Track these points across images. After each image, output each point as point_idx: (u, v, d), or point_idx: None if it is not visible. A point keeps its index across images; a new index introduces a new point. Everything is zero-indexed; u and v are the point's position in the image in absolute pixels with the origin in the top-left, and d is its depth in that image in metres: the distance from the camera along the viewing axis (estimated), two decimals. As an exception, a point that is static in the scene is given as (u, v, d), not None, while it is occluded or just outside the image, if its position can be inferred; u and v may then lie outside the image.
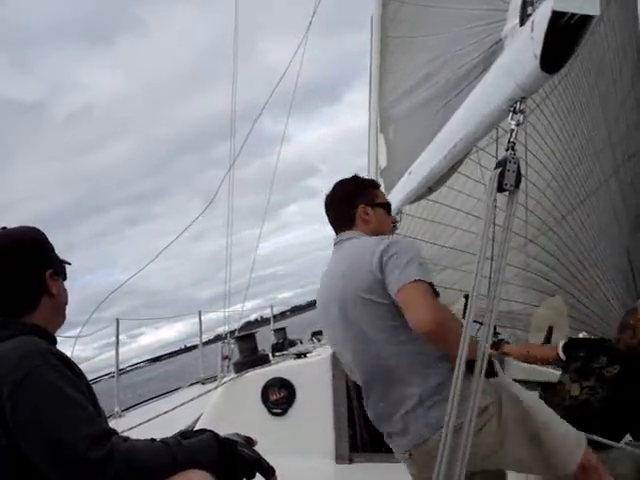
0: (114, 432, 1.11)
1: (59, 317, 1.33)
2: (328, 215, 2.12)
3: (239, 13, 5.69)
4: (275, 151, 6.07)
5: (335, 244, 2.02)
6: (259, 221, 5.80)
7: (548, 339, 2.98)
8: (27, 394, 1.05)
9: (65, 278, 1.36)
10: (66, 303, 1.35)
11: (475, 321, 1.85)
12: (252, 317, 8.49)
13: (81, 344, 5.54)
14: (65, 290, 1.35)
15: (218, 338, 4.87)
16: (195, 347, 6.87)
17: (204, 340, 6.87)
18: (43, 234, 1.34)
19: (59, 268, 1.33)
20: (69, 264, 1.39)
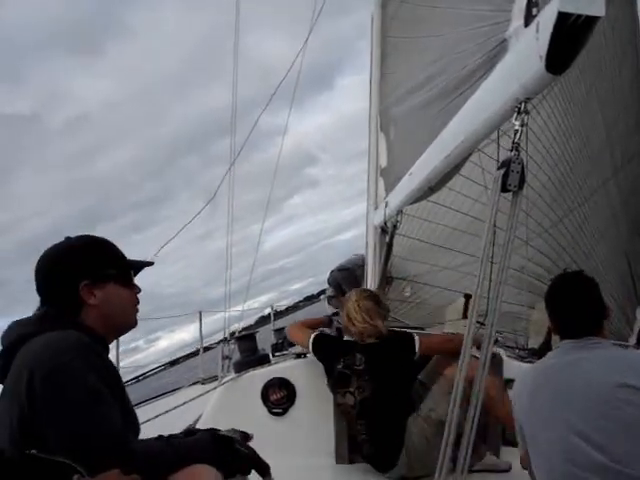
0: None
1: (109, 324, 1.33)
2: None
3: (232, 8, 5.68)
4: (273, 144, 6.10)
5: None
6: (265, 214, 5.79)
7: (548, 341, 2.99)
8: (57, 385, 1.08)
9: (127, 282, 1.37)
10: (119, 310, 1.35)
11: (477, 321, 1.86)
12: (266, 311, 8.61)
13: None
14: (122, 295, 1.35)
15: (231, 336, 4.87)
16: (210, 348, 6.90)
17: (218, 339, 6.87)
18: (82, 245, 1.35)
19: (103, 276, 1.33)
20: (138, 267, 1.42)
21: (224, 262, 5.32)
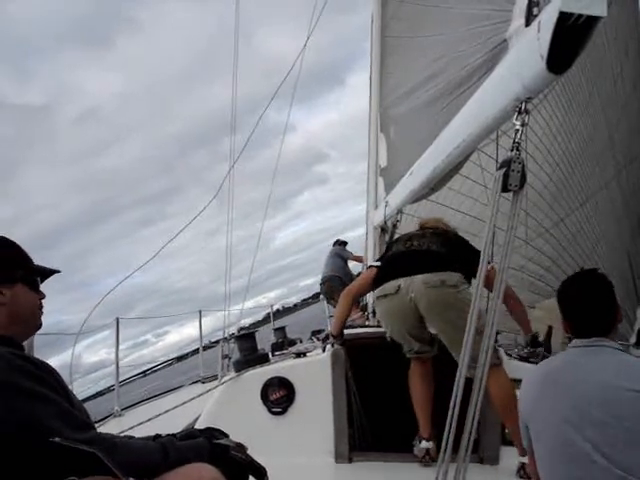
0: (93, 426, 1.17)
1: (18, 325, 1.31)
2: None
3: (239, 5, 5.70)
4: (281, 140, 6.06)
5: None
6: (273, 211, 5.80)
7: (548, 339, 2.99)
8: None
9: (34, 286, 1.36)
10: (26, 311, 1.34)
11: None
12: (274, 308, 8.70)
13: (107, 347, 5.57)
14: (28, 297, 1.34)
15: (231, 336, 4.88)
16: (209, 347, 6.93)
17: (220, 338, 6.92)
18: (8, 244, 1.35)
19: (10, 277, 1.31)
20: (45, 273, 1.40)
21: (233, 257, 5.33)
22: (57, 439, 1.03)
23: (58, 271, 1.44)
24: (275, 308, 8.60)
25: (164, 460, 1.19)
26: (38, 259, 1.40)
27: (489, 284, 1.79)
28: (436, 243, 2.77)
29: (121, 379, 5.45)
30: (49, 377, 1.16)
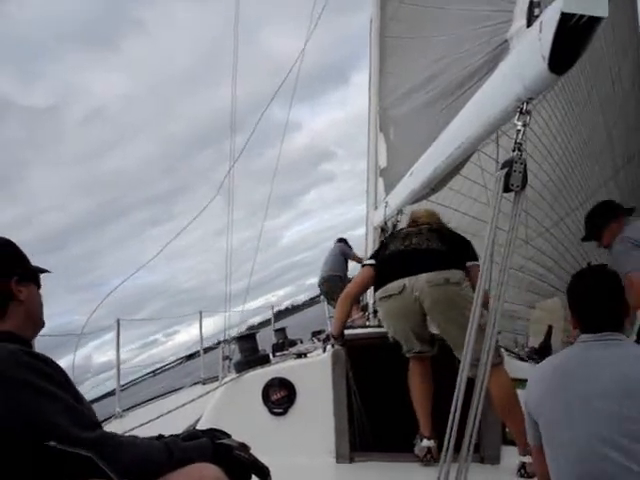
0: (99, 425, 1.17)
1: (31, 323, 1.34)
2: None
3: (240, 5, 5.71)
4: (287, 139, 6.01)
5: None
6: (279, 210, 5.81)
7: (548, 338, 2.99)
8: (4, 395, 1.06)
9: (39, 286, 1.40)
10: (38, 309, 1.38)
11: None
12: (282, 306, 8.69)
13: (115, 348, 5.58)
14: (38, 297, 1.38)
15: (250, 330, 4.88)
16: (211, 348, 6.95)
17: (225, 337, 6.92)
18: (10, 243, 1.38)
19: (27, 275, 1.35)
20: (43, 272, 1.44)
21: (239, 257, 5.33)
22: (53, 443, 1.03)
23: (49, 271, 1.47)
24: (284, 306, 8.60)
25: (169, 459, 1.19)
26: (45, 261, 1.41)
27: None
28: (435, 240, 2.78)
29: (131, 379, 5.42)
30: (57, 375, 1.16)
